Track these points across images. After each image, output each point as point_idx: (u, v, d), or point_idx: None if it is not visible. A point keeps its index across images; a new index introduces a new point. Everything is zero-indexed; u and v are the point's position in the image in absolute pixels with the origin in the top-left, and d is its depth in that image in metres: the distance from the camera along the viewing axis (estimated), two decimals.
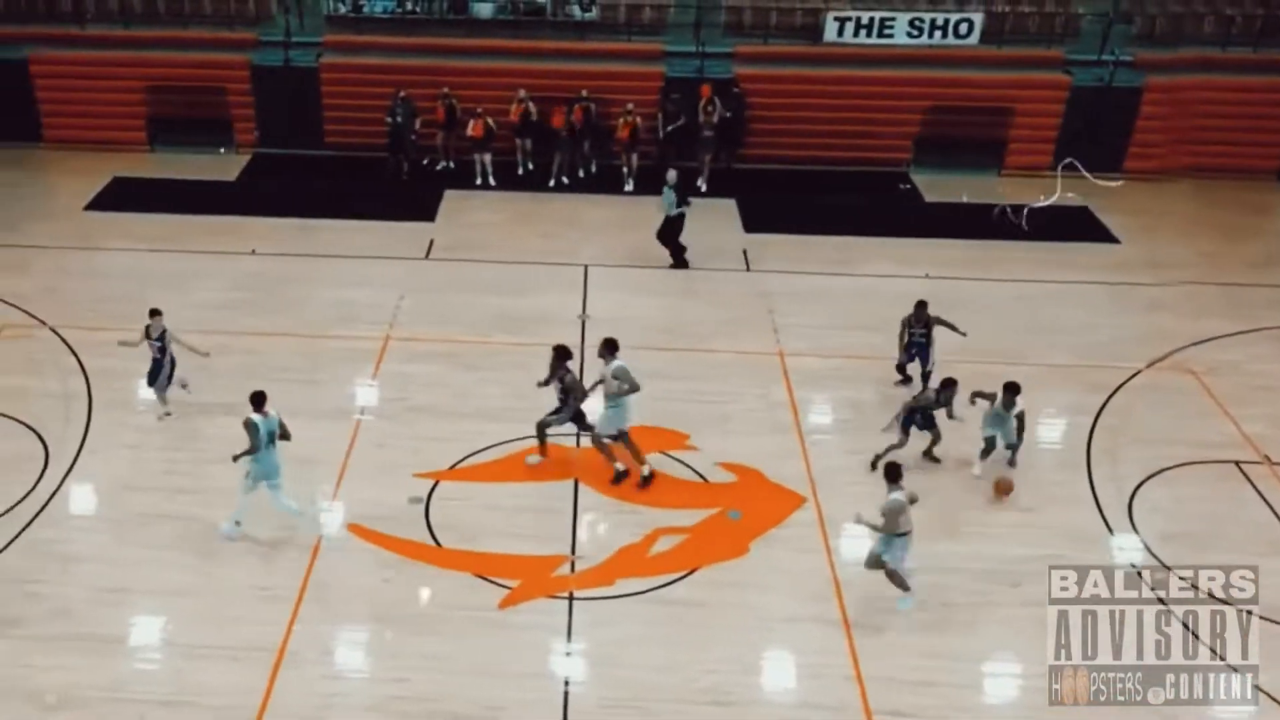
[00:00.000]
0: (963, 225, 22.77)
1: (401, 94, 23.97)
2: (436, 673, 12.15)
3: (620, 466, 15.07)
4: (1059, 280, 20.86)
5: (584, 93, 24.30)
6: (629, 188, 24.03)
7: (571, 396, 14.99)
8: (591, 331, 18.53)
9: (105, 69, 25.41)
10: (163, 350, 15.88)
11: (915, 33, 25.54)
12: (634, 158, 24.00)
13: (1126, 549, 14.01)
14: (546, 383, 15.23)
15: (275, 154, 25.27)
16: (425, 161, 24.50)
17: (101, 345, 17.61)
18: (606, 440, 15.05)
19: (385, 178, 24.17)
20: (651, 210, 23.01)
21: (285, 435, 13.88)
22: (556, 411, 15.12)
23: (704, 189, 24.04)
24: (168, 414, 16.20)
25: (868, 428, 16.11)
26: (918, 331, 16.66)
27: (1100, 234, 22.84)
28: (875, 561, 12.78)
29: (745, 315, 19.28)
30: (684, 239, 20.71)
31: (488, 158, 23.97)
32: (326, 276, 20.21)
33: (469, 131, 23.66)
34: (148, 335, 15.83)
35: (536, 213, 23.03)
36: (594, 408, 15.30)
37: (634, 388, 14.75)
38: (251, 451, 13.54)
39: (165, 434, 15.84)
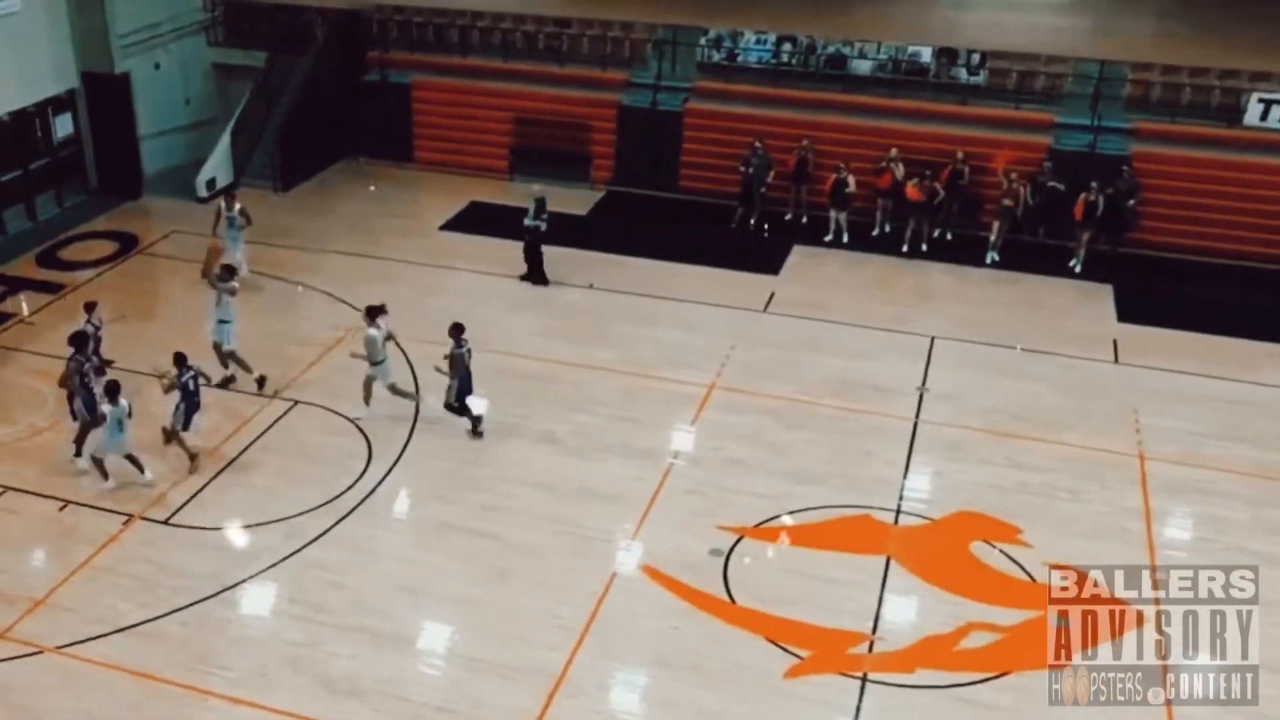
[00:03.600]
0: None
1: (758, 145, 24.87)
2: None
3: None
4: None
5: (960, 155, 24.30)
6: (992, 259, 23.69)
7: None
8: (929, 406, 18.44)
9: (478, 98, 27.95)
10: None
11: None
12: (1002, 229, 23.67)
13: None
14: None
15: (628, 193, 26.77)
16: (750, 219, 25.13)
17: (435, 358, 19.22)
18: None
19: (733, 226, 25.05)
20: (1018, 287, 22.67)
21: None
22: None
23: (1078, 270, 23.34)
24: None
25: (1233, 550, 15.09)
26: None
27: None
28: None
29: (1105, 409, 18.51)
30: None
31: (843, 216, 24.35)
32: (660, 317, 21.19)
33: (849, 189, 24.10)
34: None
35: (887, 277, 23.17)
36: None
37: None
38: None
39: (481, 453, 17.11)
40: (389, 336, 17.56)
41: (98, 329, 17.50)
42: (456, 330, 17.29)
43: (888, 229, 24.68)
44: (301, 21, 28.09)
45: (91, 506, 15.70)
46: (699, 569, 14.71)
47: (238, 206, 21.86)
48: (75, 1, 24.72)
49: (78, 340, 16.58)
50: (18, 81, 23.67)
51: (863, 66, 26.68)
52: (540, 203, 22.18)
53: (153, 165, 26.73)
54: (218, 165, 26.15)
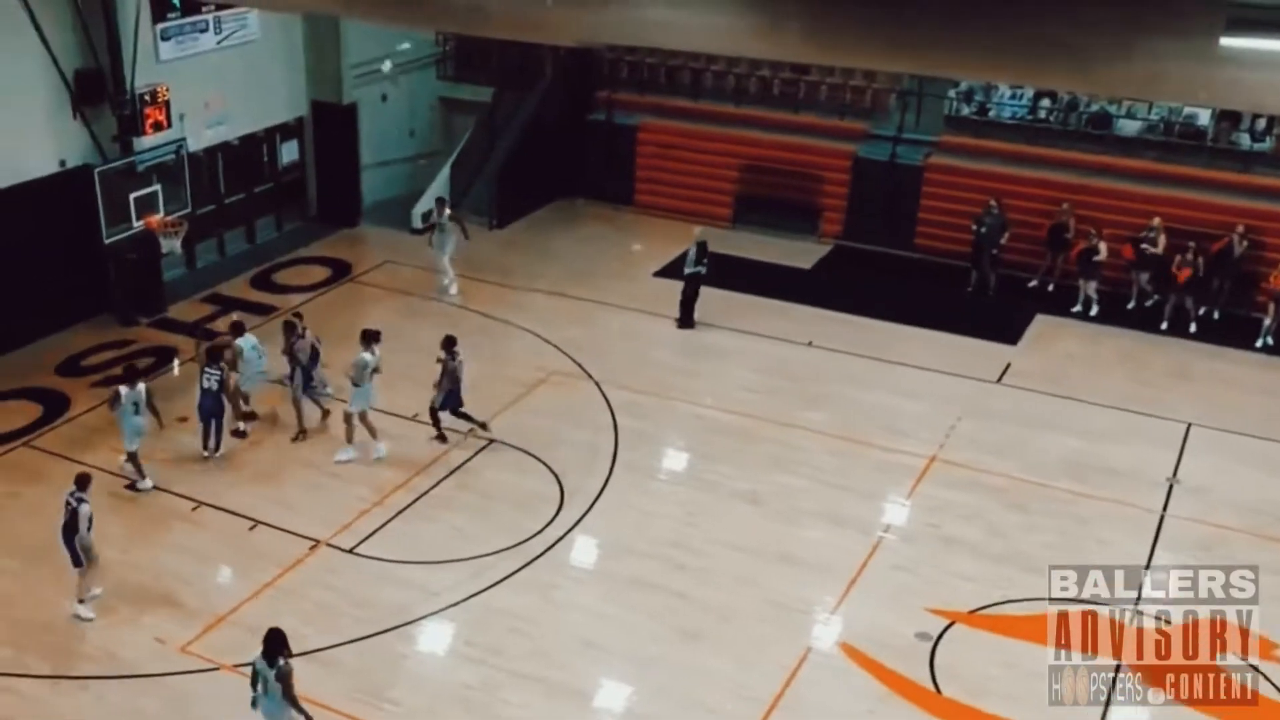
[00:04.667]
0: None
1: (993, 204, 24.62)
2: None
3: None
4: None
5: (1240, 228, 23.45)
6: (1264, 343, 22.68)
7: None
8: (1179, 499, 17.70)
9: (706, 143, 28.50)
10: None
11: None
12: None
13: None
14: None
15: (857, 248, 26.84)
16: (986, 283, 24.88)
17: (636, 407, 19.72)
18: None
19: (969, 290, 24.86)
20: None
21: None
22: None
23: None
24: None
25: None
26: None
27: None
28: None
29: None
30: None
31: (1092, 285, 23.76)
32: (881, 381, 21.07)
33: (1099, 257, 23.56)
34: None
35: (1140, 354, 22.44)
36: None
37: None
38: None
39: (681, 507, 17.36)
40: (377, 367, 18.16)
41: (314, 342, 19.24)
42: (449, 342, 18.45)
43: (1148, 303, 23.92)
44: (531, 58, 29.28)
45: (280, 529, 16.59)
46: (903, 652, 14.49)
47: (448, 212, 23.57)
48: (312, 32, 26.44)
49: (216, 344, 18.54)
50: (251, 107, 25.43)
51: (1130, 127, 26.00)
52: (702, 246, 22.70)
53: (372, 195, 28.27)
54: (435, 198, 27.40)
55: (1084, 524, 17.10)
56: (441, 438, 18.69)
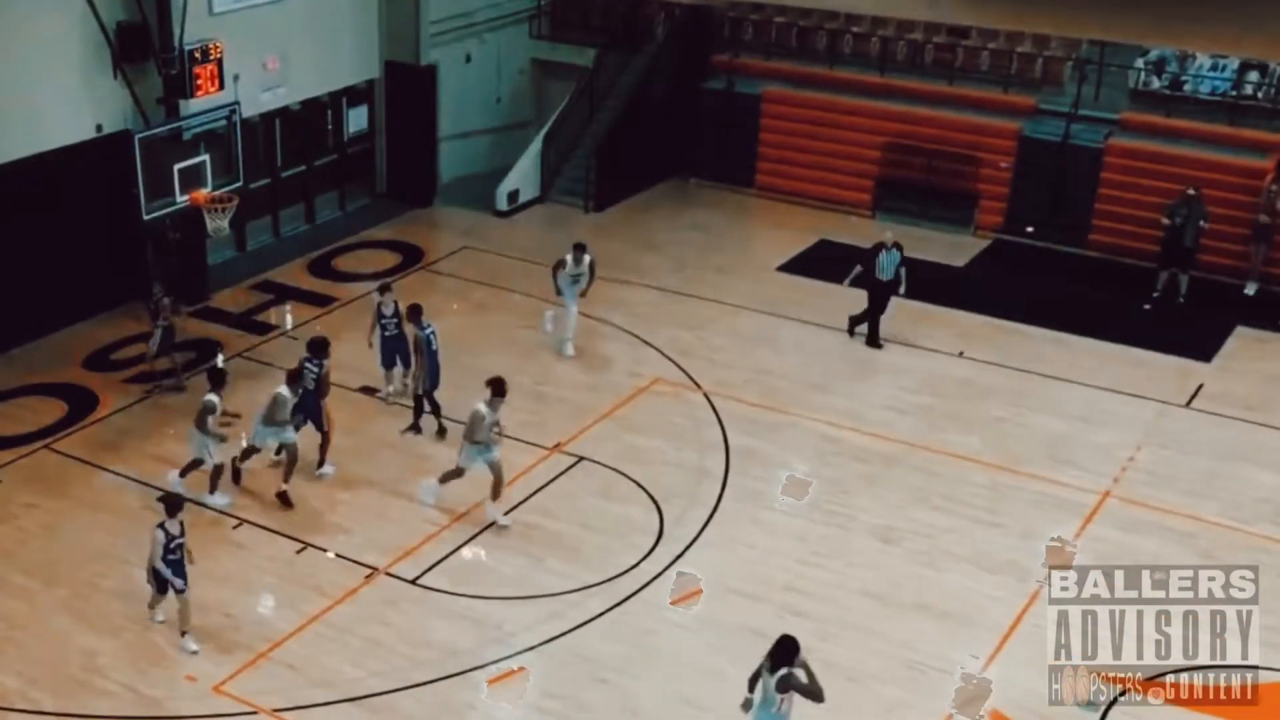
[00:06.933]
0: None
1: (1192, 192, 24.18)
2: None
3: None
4: None
5: None
6: None
7: None
8: None
9: (843, 117, 28.45)
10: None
11: None
12: None
13: None
14: None
15: (1019, 244, 26.61)
16: (1178, 286, 24.41)
17: (752, 424, 19.59)
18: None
19: (1156, 295, 24.48)
20: None
21: None
22: None
23: None
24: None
25: None
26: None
27: None
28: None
29: None
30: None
31: None
32: (1044, 401, 20.79)
33: None
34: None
35: None
36: None
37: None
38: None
39: (801, 544, 17.17)
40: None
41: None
42: (415, 312, 18.98)
43: None
44: (640, 16, 29.38)
45: (333, 553, 16.67)
46: None
47: (587, 259, 21.63)
48: None
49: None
50: (315, 68, 25.81)
51: None
52: (899, 246, 22.26)
53: (449, 171, 28.63)
54: (523, 176, 27.58)
55: None
56: (439, 430, 19.11)
